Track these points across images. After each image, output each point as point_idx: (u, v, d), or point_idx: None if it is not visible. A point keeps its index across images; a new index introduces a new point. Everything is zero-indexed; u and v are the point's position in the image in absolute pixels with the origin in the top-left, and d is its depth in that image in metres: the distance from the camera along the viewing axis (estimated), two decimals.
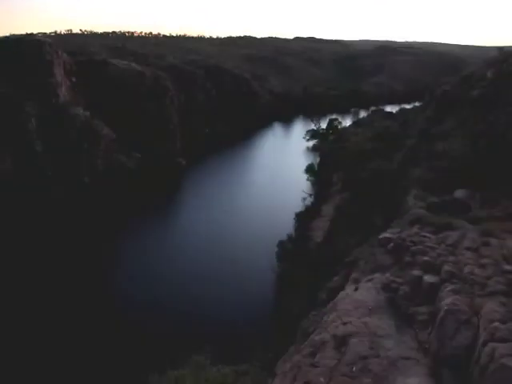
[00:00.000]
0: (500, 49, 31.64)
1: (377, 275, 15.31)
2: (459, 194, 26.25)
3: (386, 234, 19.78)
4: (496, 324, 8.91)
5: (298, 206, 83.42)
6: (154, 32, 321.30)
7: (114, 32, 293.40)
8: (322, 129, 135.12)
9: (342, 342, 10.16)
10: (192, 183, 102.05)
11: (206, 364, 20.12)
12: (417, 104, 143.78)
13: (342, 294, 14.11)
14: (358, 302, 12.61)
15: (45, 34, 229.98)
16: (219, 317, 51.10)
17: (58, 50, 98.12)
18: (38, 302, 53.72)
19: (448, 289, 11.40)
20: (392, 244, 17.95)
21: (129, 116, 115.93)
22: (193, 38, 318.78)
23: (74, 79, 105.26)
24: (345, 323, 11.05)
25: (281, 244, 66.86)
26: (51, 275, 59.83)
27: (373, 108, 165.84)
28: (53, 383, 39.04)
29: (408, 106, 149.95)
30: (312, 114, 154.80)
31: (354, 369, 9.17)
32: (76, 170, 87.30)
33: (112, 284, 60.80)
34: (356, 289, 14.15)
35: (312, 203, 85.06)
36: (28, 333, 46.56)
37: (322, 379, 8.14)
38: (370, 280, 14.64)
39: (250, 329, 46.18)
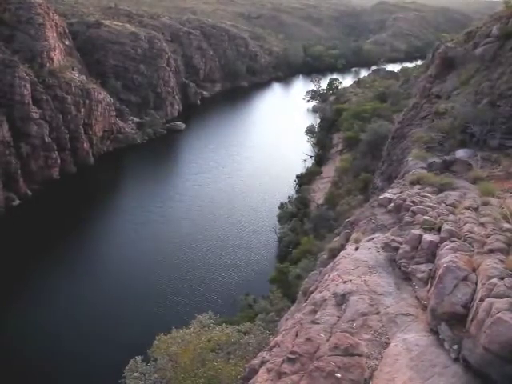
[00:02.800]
0: (507, 3, 30.55)
1: (377, 235, 15.44)
2: (460, 153, 26.09)
3: (387, 195, 19.81)
4: (494, 280, 9.05)
5: (299, 168, 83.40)
6: None
7: None
8: (322, 89, 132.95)
9: (342, 299, 10.36)
10: (191, 147, 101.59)
11: (209, 324, 20.61)
12: (419, 63, 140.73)
13: (342, 253, 14.28)
14: (358, 260, 12.79)
15: None
16: (222, 278, 52.18)
17: (49, 12, 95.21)
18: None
19: (447, 247, 11.52)
20: (392, 204, 18.02)
21: (124, 79, 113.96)
22: None
23: (67, 42, 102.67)
24: (345, 281, 11.24)
25: (282, 206, 67.36)
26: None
27: (374, 67, 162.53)
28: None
29: (410, 65, 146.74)
30: (312, 74, 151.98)
31: (354, 325, 9.39)
32: (74, 135, 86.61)
33: (122, 241, 61.70)
34: (356, 248, 14.31)
35: (313, 165, 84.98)
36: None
37: (322, 335, 8.36)
38: (370, 240, 14.78)
39: (253, 289, 47.25)
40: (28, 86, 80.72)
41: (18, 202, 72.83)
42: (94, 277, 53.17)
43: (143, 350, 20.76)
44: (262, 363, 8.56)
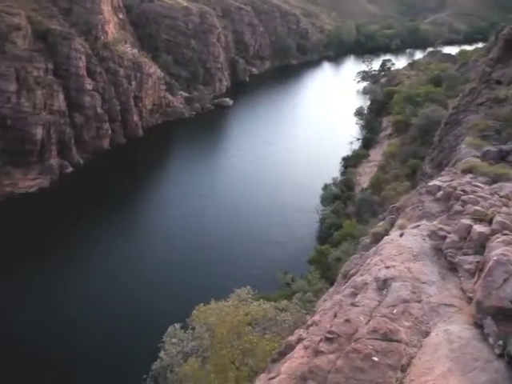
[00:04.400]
0: None
1: (424, 222, 15.04)
2: None
3: (436, 182, 19.17)
4: None
5: (345, 150, 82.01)
6: None
7: None
8: (374, 70, 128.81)
9: (383, 284, 10.25)
10: (238, 123, 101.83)
11: (247, 298, 20.96)
12: (479, 45, 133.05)
13: (386, 238, 14.04)
14: (402, 247, 12.54)
15: None
16: (263, 254, 52.80)
17: None
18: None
19: (499, 240, 11.06)
20: (442, 192, 17.42)
21: (175, 54, 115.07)
22: None
23: (121, 16, 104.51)
24: (388, 267, 11.08)
25: (326, 187, 66.77)
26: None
27: (430, 49, 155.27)
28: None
29: (469, 48, 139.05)
30: (364, 55, 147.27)
31: (395, 311, 9.28)
32: (125, 107, 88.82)
33: (166, 215, 63.54)
34: (401, 235, 14.01)
35: (360, 147, 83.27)
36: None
37: (361, 318, 8.33)
38: (416, 227, 14.43)
39: (292, 267, 47.52)
40: (83, 58, 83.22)
41: (70, 169, 76.22)
42: (139, 245, 55.26)
43: (182, 318, 21.51)
44: (299, 340, 8.66)
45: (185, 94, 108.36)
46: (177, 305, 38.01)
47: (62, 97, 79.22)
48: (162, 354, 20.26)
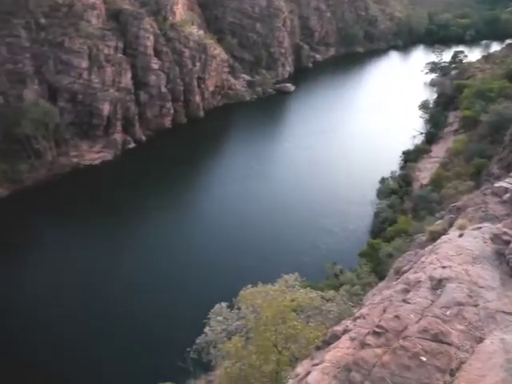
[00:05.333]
0: None
1: (486, 224, 14.25)
2: None
3: (504, 184, 18.03)
4: None
5: (407, 144, 79.27)
6: None
7: None
8: (444, 62, 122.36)
9: (438, 284, 9.87)
10: (298, 109, 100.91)
11: (294, 284, 20.98)
12: None
13: (444, 237, 13.46)
14: (461, 248, 11.98)
15: None
16: (314, 241, 52.62)
17: None
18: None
19: None
20: (509, 194, 16.39)
21: (240, 37, 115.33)
22: None
23: None
24: (444, 267, 10.64)
25: (383, 181, 65.10)
26: None
27: (509, 41, 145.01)
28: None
29: None
30: (435, 45, 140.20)
31: (448, 313, 8.94)
32: (188, 88, 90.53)
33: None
34: (461, 235, 13.38)
35: (422, 142, 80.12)
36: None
37: (412, 316, 8.10)
38: (477, 228, 13.71)
39: (341, 259, 47.03)
40: (151, 38, 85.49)
41: (133, 145, 79.29)
42: (191, 222, 56.85)
43: (228, 297, 21.94)
44: (345, 331, 8.58)
45: (247, 78, 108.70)
46: (224, 284, 38.83)
47: (129, 75, 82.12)
48: (206, 329, 20.80)
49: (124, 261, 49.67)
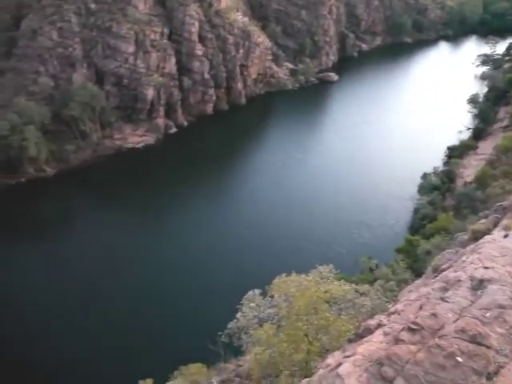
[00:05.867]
0: None
1: None
2: None
3: None
4: None
5: (452, 139, 76.54)
6: None
7: None
8: (497, 54, 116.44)
9: (479, 285, 9.54)
10: (341, 100, 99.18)
11: (328, 276, 20.83)
12: None
13: (487, 237, 12.98)
14: (505, 249, 11.51)
15: None
16: (351, 234, 52.11)
17: None
18: None
19: None
20: None
21: (284, 24, 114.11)
22: None
23: None
24: (486, 267, 10.27)
25: (425, 176, 63.31)
26: None
27: None
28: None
29: None
30: (488, 36, 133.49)
31: (488, 315, 8.63)
32: (231, 75, 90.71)
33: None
34: (506, 236, 12.85)
35: (469, 138, 77.06)
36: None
37: (450, 315, 7.88)
38: None
39: (377, 253, 46.28)
40: (196, 24, 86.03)
41: (174, 129, 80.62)
42: (227, 208, 57.47)
43: (262, 284, 22.07)
44: (379, 326, 8.46)
45: (290, 66, 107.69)
46: (258, 271, 39.14)
47: (173, 60, 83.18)
48: (238, 315, 21.02)
49: (161, 244, 50.96)
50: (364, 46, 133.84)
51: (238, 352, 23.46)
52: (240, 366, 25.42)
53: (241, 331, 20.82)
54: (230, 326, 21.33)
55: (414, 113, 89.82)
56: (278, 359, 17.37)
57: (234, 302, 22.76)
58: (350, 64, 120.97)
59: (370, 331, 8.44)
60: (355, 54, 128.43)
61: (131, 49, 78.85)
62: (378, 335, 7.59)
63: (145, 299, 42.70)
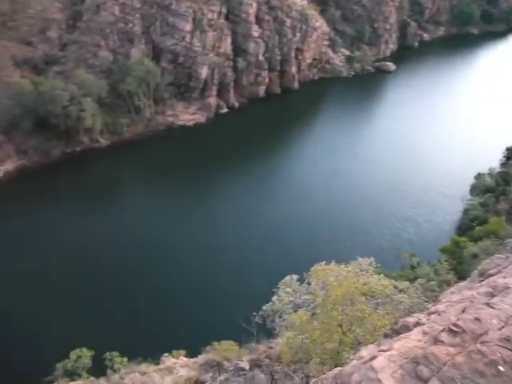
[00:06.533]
0: None
1: None
2: None
3: None
4: None
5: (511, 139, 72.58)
6: None
7: None
8: None
9: None
10: (397, 91, 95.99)
11: (368, 269, 20.53)
12: None
13: None
14: None
15: None
16: (395, 229, 51.03)
17: None
18: None
19: None
20: None
21: (344, 9, 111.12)
22: None
23: None
24: None
25: (479, 176, 60.58)
26: None
27: None
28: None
29: None
30: None
31: None
32: (285, 58, 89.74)
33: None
34: None
35: None
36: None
37: (495, 321, 7.56)
38: None
39: (420, 250, 45.07)
40: (254, 5, 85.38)
41: (225, 110, 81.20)
42: (273, 192, 57.61)
43: (299, 271, 22.08)
44: (418, 324, 8.25)
45: (346, 53, 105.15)
46: (297, 256, 39.20)
47: (229, 40, 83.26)
48: (274, 298, 21.17)
49: (204, 220, 51.87)
50: (426, 36, 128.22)
51: (270, 334, 23.71)
52: (271, 348, 25.71)
53: (275, 314, 21.00)
54: (264, 308, 21.54)
55: (475, 109, 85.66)
56: (310, 346, 17.42)
57: (271, 285, 22.94)
58: (410, 54, 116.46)
59: (407, 328, 8.26)
60: (416, 44, 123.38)
61: (188, 27, 79.56)
62: (416, 333, 7.42)
63: (188, 272, 43.86)
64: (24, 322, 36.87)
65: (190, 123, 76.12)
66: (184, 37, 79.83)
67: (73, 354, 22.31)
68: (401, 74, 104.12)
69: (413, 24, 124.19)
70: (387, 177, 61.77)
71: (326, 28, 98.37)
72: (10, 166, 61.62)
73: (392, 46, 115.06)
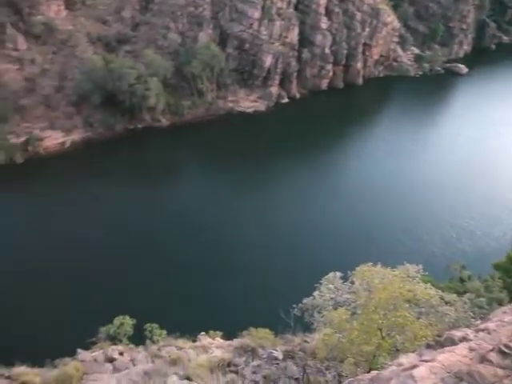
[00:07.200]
0: None
1: None
2: None
3: None
4: None
5: None
6: None
7: None
8: None
9: None
10: (467, 95, 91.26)
11: (414, 276, 19.92)
12: None
13: None
14: None
15: None
16: (449, 237, 49.22)
17: None
18: None
19: None
20: None
21: (418, 6, 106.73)
22: None
23: None
24: None
25: None
26: None
27: None
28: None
29: None
30: None
31: None
32: (352, 53, 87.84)
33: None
34: None
35: None
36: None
37: None
38: None
39: (471, 263, 43.10)
40: None
41: (286, 100, 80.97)
42: (326, 189, 57.14)
43: (343, 269, 21.80)
44: (464, 339, 7.95)
45: (416, 51, 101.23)
46: (345, 254, 38.72)
47: (296, 31, 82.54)
48: (315, 293, 21.03)
49: (258, 207, 52.32)
50: (505, 38, 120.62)
51: (306, 328, 23.61)
52: (306, 341, 25.64)
53: (314, 309, 20.88)
54: (304, 301, 21.47)
55: None
56: (346, 345, 17.19)
57: (314, 280, 22.83)
58: (485, 57, 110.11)
59: (453, 342, 7.96)
60: (493, 46, 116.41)
61: (257, 14, 79.59)
62: (461, 348, 7.14)
63: (234, 256, 44.55)
64: (79, 287, 39.13)
65: (250, 110, 76.59)
66: (252, 24, 80.00)
67: (116, 321, 23.41)
68: (473, 77, 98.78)
69: (492, 25, 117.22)
70: (447, 184, 59.36)
71: (396, 24, 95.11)
72: (76, 136, 65.25)
73: (466, 47, 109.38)
